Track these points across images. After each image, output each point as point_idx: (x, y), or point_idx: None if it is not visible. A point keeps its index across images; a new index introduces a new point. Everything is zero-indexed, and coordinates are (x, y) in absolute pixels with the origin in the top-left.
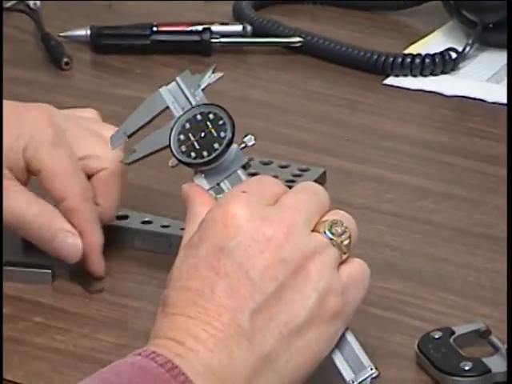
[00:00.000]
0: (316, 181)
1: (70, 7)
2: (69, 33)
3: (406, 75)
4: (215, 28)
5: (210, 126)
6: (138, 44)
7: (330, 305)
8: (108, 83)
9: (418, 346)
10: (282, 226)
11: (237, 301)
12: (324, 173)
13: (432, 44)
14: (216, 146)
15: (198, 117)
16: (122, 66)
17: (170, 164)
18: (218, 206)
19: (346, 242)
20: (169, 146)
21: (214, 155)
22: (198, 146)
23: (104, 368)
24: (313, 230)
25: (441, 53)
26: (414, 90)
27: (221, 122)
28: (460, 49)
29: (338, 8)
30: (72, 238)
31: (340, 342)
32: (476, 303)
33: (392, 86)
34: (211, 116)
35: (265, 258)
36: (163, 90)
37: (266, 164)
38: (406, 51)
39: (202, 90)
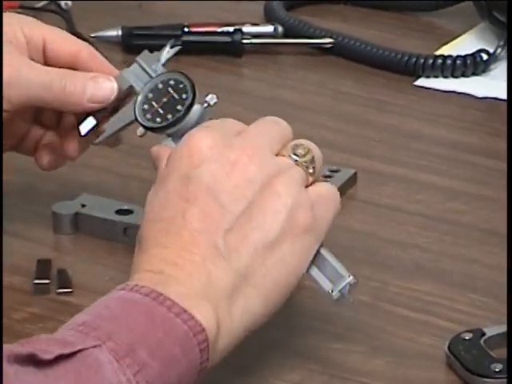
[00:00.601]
0: (347, 182)
1: (101, 7)
2: (100, 33)
3: (436, 76)
4: (246, 29)
5: (172, 91)
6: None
7: (300, 219)
8: None
9: (449, 347)
10: (245, 149)
11: (209, 223)
12: (355, 174)
13: (463, 45)
14: (179, 107)
15: (160, 85)
16: None
17: (137, 134)
18: (181, 142)
19: (309, 163)
20: (134, 116)
21: (177, 116)
22: (162, 111)
23: (90, 306)
24: (276, 155)
25: (472, 54)
26: (444, 92)
27: (181, 86)
28: (491, 50)
29: (369, 9)
30: (102, 78)
31: (316, 259)
32: (506, 304)
33: (423, 87)
34: (171, 82)
35: (232, 179)
36: (125, 72)
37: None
38: (437, 52)
39: (163, 65)
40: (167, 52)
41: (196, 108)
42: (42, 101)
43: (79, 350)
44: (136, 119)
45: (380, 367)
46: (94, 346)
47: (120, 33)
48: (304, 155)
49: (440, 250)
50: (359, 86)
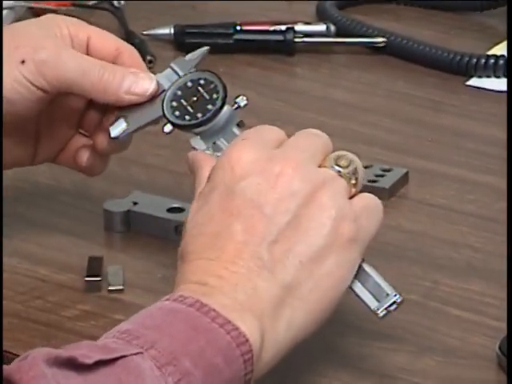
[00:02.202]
0: (399, 181)
1: (154, 7)
2: (152, 31)
3: (489, 76)
4: (298, 27)
5: (202, 90)
6: (221, 43)
7: (345, 231)
8: None
9: (499, 347)
10: (288, 162)
11: (254, 236)
12: (406, 173)
13: None
14: (210, 107)
15: (189, 83)
16: (205, 65)
17: (164, 131)
18: (222, 156)
19: (352, 174)
20: (162, 112)
21: (208, 115)
22: (191, 110)
23: (134, 315)
24: (319, 167)
25: None
26: (496, 92)
27: (212, 86)
28: None
29: (422, 8)
30: (143, 74)
31: (358, 274)
32: None
33: (475, 87)
34: (202, 81)
35: (276, 192)
36: (158, 76)
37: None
38: (490, 52)
39: (193, 66)
40: (195, 54)
41: (226, 109)
42: (78, 86)
43: (120, 357)
44: (164, 115)
45: (430, 367)
46: (136, 353)
47: (172, 31)
48: (347, 166)
49: (492, 249)
50: (412, 86)
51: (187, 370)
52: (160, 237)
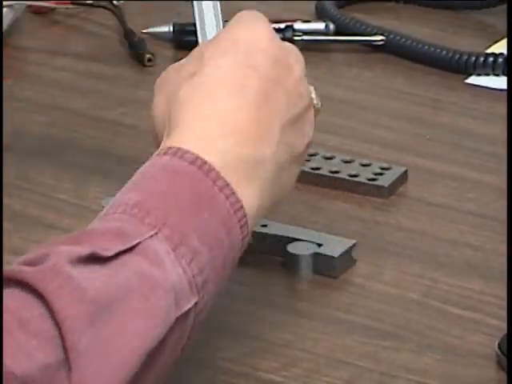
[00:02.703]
0: (398, 179)
1: (153, 4)
2: (152, 29)
3: (488, 74)
4: (298, 26)
5: None
6: None
7: (306, 154)
8: None
9: (499, 345)
10: (300, 62)
11: (273, 104)
12: (405, 171)
13: None
14: None
15: None
16: None
17: None
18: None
19: (318, 104)
20: None
21: None
22: None
23: (135, 177)
24: None
25: None
26: (496, 90)
27: None
28: None
29: (421, 6)
30: None
31: None
32: None
33: (474, 85)
34: None
35: (291, 80)
36: None
37: (347, 162)
38: (489, 50)
39: None
40: None
41: None
42: None
43: (138, 243)
44: None
45: (430, 365)
46: (151, 236)
47: (171, 29)
48: (316, 99)
49: (491, 248)
50: (411, 84)
51: (196, 248)
52: None
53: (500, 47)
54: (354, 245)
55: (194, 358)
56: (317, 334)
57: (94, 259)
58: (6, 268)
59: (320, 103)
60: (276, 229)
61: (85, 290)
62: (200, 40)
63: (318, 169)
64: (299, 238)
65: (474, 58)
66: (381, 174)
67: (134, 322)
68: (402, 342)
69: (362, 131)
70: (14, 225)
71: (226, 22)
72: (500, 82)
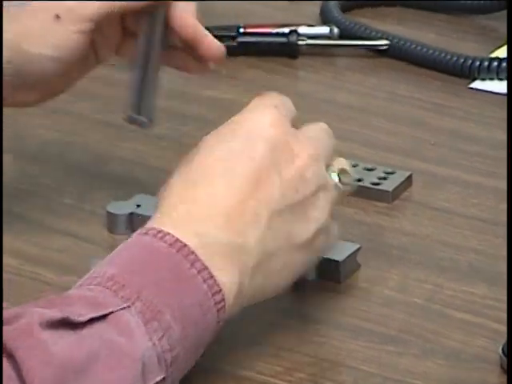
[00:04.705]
0: (402, 184)
1: None
2: None
3: (492, 79)
4: (302, 30)
5: None
6: (224, 45)
7: (319, 240)
8: (192, 83)
9: (502, 349)
10: (309, 149)
11: (264, 192)
12: (410, 176)
13: None
14: None
15: None
16: None
17: None
18: (245, 111)
19: (343, 195)
20: None
21: None
22: None
23: (115, 251)
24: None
25: None
26: (500, 94)
27: None
28: None
29: (425, 11)
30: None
31: None
32: None
33: (478, 89)
34: None
35: (292, 167)
36: None
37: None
38: (493, 55)
39: None
40: None
41: None
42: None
43: (110, 312)
44: None
45: (433, 369)
46: (124, 308)
47: None
48: (347, 184)
49: (495, 253)
50: (415, 89)
51: (168, 324)
52: None
53: (504, 51)
54: (359, 249)
55: (197, 362)
56: (321, 339)
57: (66, 324)
58: None
59: (352, 184)
60: None
61: (53, 353)
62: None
63: None
64: None
65: (478, 63)
66: (385, 179)
67: None
68: (406, 346)
69: (366, 135)
70: (15, 228)
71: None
72: (504, 87)
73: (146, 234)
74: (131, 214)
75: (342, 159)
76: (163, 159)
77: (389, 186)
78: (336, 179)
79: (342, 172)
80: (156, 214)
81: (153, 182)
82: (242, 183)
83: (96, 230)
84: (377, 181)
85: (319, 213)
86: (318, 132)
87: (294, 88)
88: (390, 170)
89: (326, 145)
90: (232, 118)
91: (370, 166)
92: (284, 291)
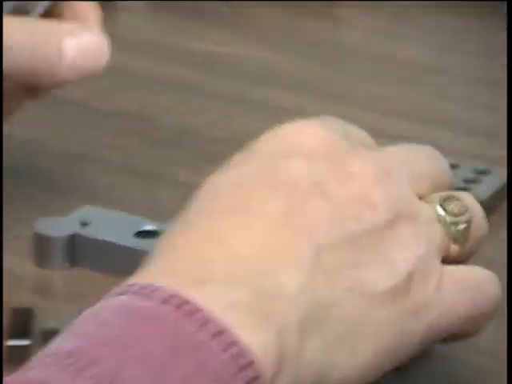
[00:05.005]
0: (498, 192)
1: None
2: None
3: None
4: None
5: None
6: None
7: (418, 294)
8: (173, 31)
9: None
10: (374, 167)
11: (302, 219)
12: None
13: None
14: None
15: None
16: (195, 4)
17: None
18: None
19: (460, 227)
20: None
21: None
22: None
23: (79, 318)
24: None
25: None
26: None
27: None
28: None
29: None
30: (89, 31)
31: None
32: None
33: None
34: None
35: (346, 190)
36: None
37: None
38: None
39: None
40: None
41: None
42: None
43: None
44: None
45: None
46: None
47: None
48: (456, 214)
49: None
50: None
51: None
52: (121, 275)
53: None
54: None
55: None
56: None
57: None
58: None
59: (476, 220)
60: None
61: None
62: None
63: None
64: None
65: None
66: (474, 182)
67: None
68: None
69: (441, 111)
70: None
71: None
72: None
73: (121, 293)
74: (73, 236)
75: (461, 193)
76: (123, 150)
77: (481, 192)
78: (439, 210)
79: (447, 199)
80: (139, 268)
81: (106, 186)
82: (265, 213)
83: (19, 263)
84: (462, 185)
85: (406, 250)
86: (408, 151)
87: (331, 38)
88: (482, 168)
89: (414, 164)
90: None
91: (452, 162)
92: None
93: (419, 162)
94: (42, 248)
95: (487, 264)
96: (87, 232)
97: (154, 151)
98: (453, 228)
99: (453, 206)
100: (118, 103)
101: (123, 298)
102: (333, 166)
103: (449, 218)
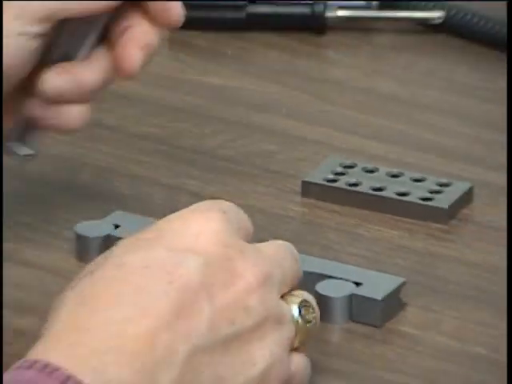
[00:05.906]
0: (460, 199)
1: None
2: None
3: None
4: None
5: None
6: (229, 18)
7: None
8: (191, 68)
9: None
10: (255, 271)
11: (185, 322)
12: (471, 189)
13: None
14: None
15: None
16: (209, 46)
17: None
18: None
19: (306, 332)
20: None
21: None
22: None
23: None
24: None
25: None
26: None
27: None
28: None
29: None
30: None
31: None
32: None
33: None
34: None
35: (228, 292)
36: None
37: (394, 176)
38: None
39: None
40: None
41: None
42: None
43: None
44: None
45: None
46: None
47: None
48: (308, 321)
49: None
50: (478, 75)
51: None
52: None
53: None
54: (403, 284)
55: None
56: (321, 343)
57: None
58: None
59: (316, 320)
60: (302, 263)
61: None
62: None
63: (356, 185)
64: (331, 274)
65: None
66: (438, 192)
67: None
68: None
69: (414, 135)
70: None
71: None
72: None
73: (29, 367)
74: (107, 236)
75: (305, 292)
76: (148, 166)
77: (444, 201)
78: (296, 312)
79: (305, 306)
80: (42, 337)
81: (135, 196)
82: (156, 308)
83: (62, 259)
84: (428, 195)
85: (267, 351)
86: (277, 250)
87: (321, 74)
88: (445, 181)
89: (285, 267)
90: (158, 222)
91: (418, 176)
92: None
93: (287, 264)
94: (82, 246)
95: (454, 262)
96: (119, 233)
97: (173, 167)
98: (302, 330)
99: (307, 314)
100: (143, 127)
101: (30, 373)
102: (221, 267)
103: (301, 322)
